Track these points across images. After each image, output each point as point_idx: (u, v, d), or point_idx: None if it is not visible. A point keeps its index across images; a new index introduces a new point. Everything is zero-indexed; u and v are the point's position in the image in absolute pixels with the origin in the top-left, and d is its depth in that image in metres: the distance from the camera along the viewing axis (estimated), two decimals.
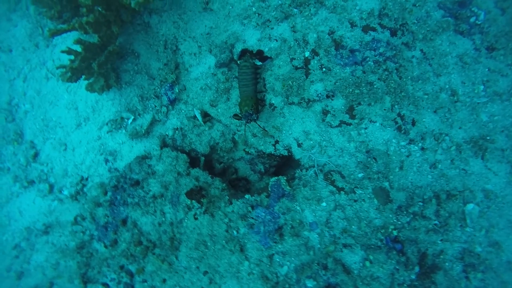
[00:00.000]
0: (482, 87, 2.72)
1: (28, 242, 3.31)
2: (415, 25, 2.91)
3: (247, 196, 2.74)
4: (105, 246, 2.84)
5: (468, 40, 2.86)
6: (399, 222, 2.47)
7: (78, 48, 2.76)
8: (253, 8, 3.20)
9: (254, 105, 2.86)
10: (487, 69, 2.75)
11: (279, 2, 3.15)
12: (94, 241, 2.95)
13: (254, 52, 3.08)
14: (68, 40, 3.40)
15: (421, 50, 2.88)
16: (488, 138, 2.58)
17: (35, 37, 3.43)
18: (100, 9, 2.74)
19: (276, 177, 2.71)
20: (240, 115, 2.84)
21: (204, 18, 3.33)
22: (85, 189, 3.39)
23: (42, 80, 3.47)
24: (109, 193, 3.06)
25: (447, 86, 2.75)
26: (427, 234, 2.44)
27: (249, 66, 3.04)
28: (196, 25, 3.33)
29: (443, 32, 2.86)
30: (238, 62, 3.12)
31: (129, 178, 3.04)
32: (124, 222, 2.89)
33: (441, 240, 2.45)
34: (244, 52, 3.09)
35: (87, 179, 3.42)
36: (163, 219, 2.83)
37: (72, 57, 2.90)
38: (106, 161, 3.31)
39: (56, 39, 3.45)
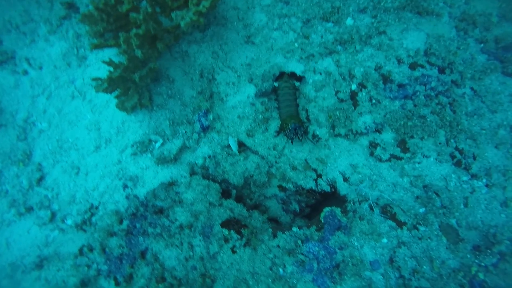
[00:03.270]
0: None
1: (11, 281, 2.70)
2: (461, 65, 2.92)
3: (294, 228, 2.36)
4: (117, 283, 2.30)
5: None
6: (483, 264, 2.10)
7: (123, 59, 2.61)
8: (296, 44, 3.22)
9: (300, 121, 2.71)
10: None
11: (322, 39, 3.19)
12: (102, 277, 2.41)
13: (289, 73, 3.02)
14: (101, 61, 3.28)
15: (471, 88, 2.84)
16: None
17: (69, 57, 3.31)
18: (151, 23, 2.68)
19: (329, 208, 2.38)
20: (284, 132, 2.67)
21: (245, 49, 3.31)
22: (93, 219, 2.92)
23: (67, 98, 3.25)
24: (126, 222, 2.63)
25: (505, 123, 2.64)
26: None
27: (290, 86, 2.96)
28: (237, 55, 3.30)
29: (492, 73, 2.86)
30: (276, 84, 3.03)
31: (152, 205, 2.65)
32: (143, 254, 2.41)
33: None
34: (281, 74, 3.03)
35: (97, 207, 2.98)
36: (191, 253, 2.37)
37: (111, 69, 2.75)
38: (125, 187, 2.93)
39: (90, 59, 3.34)
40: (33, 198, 3.11)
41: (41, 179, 3.20)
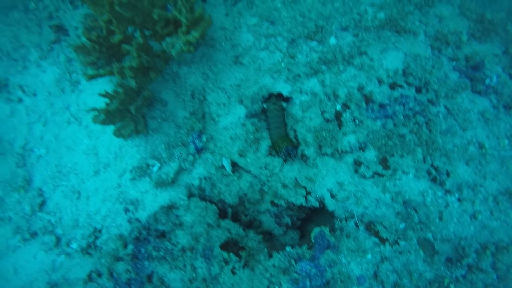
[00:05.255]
0: (506, 141, 2.89)
1: None
2: (436, 84, 3.15)
3: (288, 248, 2.59)
4: None
5: (486, 99, 3.11)
6: (454, 275, 2.38)
7: (120, 90, 2.73)
8: (283, 64, 3.37)
9: (291, 143, 2.91)
10: (508, 125, 2.95)
11: (308, 59, 3.35)
12: None
13: (276, 94, 3.20)
14: (96, 86, 3.38)
15: (445, 106, 3.07)
16: None
17: (62, 82, 3.38)
18: (143, 55, 2.79)
19: (318, 228, 2.61)
20: (277, 153, 2.87)
21: (234, 70, 3.44)
22: (97, 242, 3.09)
23: (63, 124, 3.34)
24: (131, 246, 2.81)
25: (474, 140, 2.90)
26: None
27: (278, 108, 3.15)
28: (226, 76, 3.43)
29: (463, 91, 3.10)
30: (265, 105, 3.20)
31: (155, 229, 2.83)
32: (150, 278, 2.61)
33: None
34: (270, 96, 3.21)
35: (100, 230, 3.14)
36: (194, 274, 2.58)
37: (108, 100, 2.86)
38: (126, 210, 3.09)
39: (83, 84, 3.42)
40: (37, 224, 3.24)
41: (42, 204, 3.32)
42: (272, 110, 3.09)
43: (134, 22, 2.90)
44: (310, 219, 3.58)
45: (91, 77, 2.86)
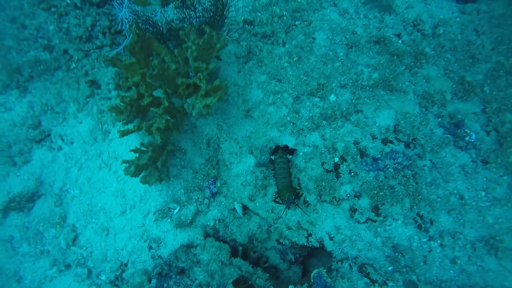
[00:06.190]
0: (483, 193, 3.30)
1: None
2: (423, 139, 3.59)
3: (290, 286, 3.00)
4: None
5: (466, 154, 3.53)
6: None
7: (149, 149, 3.22)
8: (288, 118, 3.85)
9: (294, 193, 3.35)
10: (485, 178, 3.36)
11: (310, 114, 3.83)
12: None
13: (282, 147, 3.66)
14: (124, 136, 3.88)
15: (430, 160, 3.50)
16: (497, 238, 3.07)
17: (95, 132, 3.89)
18: (169, 118, 3.29)
19: (317, 269, 3.02)
20: (282, 201, 3.31)
21: (245, 123, 3.93)
22: (124, 275, 3.52)
23: (95, 169, 3.84)
24: (154, 280, 3.23)
25: (455, 191, 3.31)
26: None
27: (284, 161, 3.59)
28: (238, 129, 3.92)
29: (446, 146, 3.53)
30: (272, 157, 3.66)
31: (175, 266, 3.26)
32: None
33: None
34: (277, 148, 3.67)
35: (126, 264, 3.58)
36: None
37: (137, 154, 3.35)
38: (150, 248, 3.53)
39: (113, 134, 3.93)
40: (71, 257, 3.70)
41: (75, 239, 3.78)
42: (278, 163, 3.55)
43: (160, 86, 3.42)
44: (312, 255, 3.98)
45: (123, 134, 3.36)
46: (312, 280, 2.99)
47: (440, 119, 3.71)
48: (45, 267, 3.68)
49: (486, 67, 3.90)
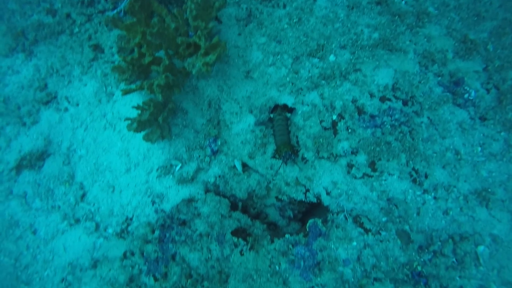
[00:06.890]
0: (479, 148, 3.32)
1: (74, 276, 3.51)
2: (421, 97, 3.60)
3: (287, 235, 3.12)
4: (156, 279, 3.10)
5: (465, 111, 3.53)
6: (422, 259, 2.86)
7: (150, 105, 3.32)
8: (287, 78, 3.89)
9: (291, 149, 3.44)
10: (482, 134, 3.38)
11: (309, 74, 3.86)
12: (143, 275, 3.21)
13: (281, 105, 3.71)
14: (127, 97, 3.98)
15: (428, 117, 3.52)
16: (489, 190, 3.11)
17: (99, 94, 4.01)
18: (169, 75, 3.37)
19: (312, 219, 3.13)
20: (279, 157, 3.39)
21: (245, 84, 3.99)
22: (129, 228, 3.70)
23: (100, 129, 3.97)
24: (157, 231, 3.40)
25: (451, 147, 3.34)
26: (447, 270, 2.82)
27: (283, 118, 3.66)
28: (239, 89, 3.98)
29: (445, 104, 3.54)
30: (271, 115, 3.73)
31: (177, 218, 3.41)
32: (174, 257, 3.19)
33: (459, 276, 2.83)
34: (276, 107, 3.73)
35: (131, 219, 3.75)
36: (209, 255, 3.15)
37: (139, 111, 3.45)
38: (153, 202, 3.69)
39: (117, 95, 4.04)
40: (80, 212, 3.89)
41: (83, 196, 3.97)
42: (277, 120, 3.62)
43: (161, 46, 3.48)
44: (310, 212, 4.10)
45: (126, 93, 3.46)
46: (307, 229, 3.10)
47: (440, 77, 3.70)
48: (57, 221, 3.89)
49: (492, 25, 3.84)
